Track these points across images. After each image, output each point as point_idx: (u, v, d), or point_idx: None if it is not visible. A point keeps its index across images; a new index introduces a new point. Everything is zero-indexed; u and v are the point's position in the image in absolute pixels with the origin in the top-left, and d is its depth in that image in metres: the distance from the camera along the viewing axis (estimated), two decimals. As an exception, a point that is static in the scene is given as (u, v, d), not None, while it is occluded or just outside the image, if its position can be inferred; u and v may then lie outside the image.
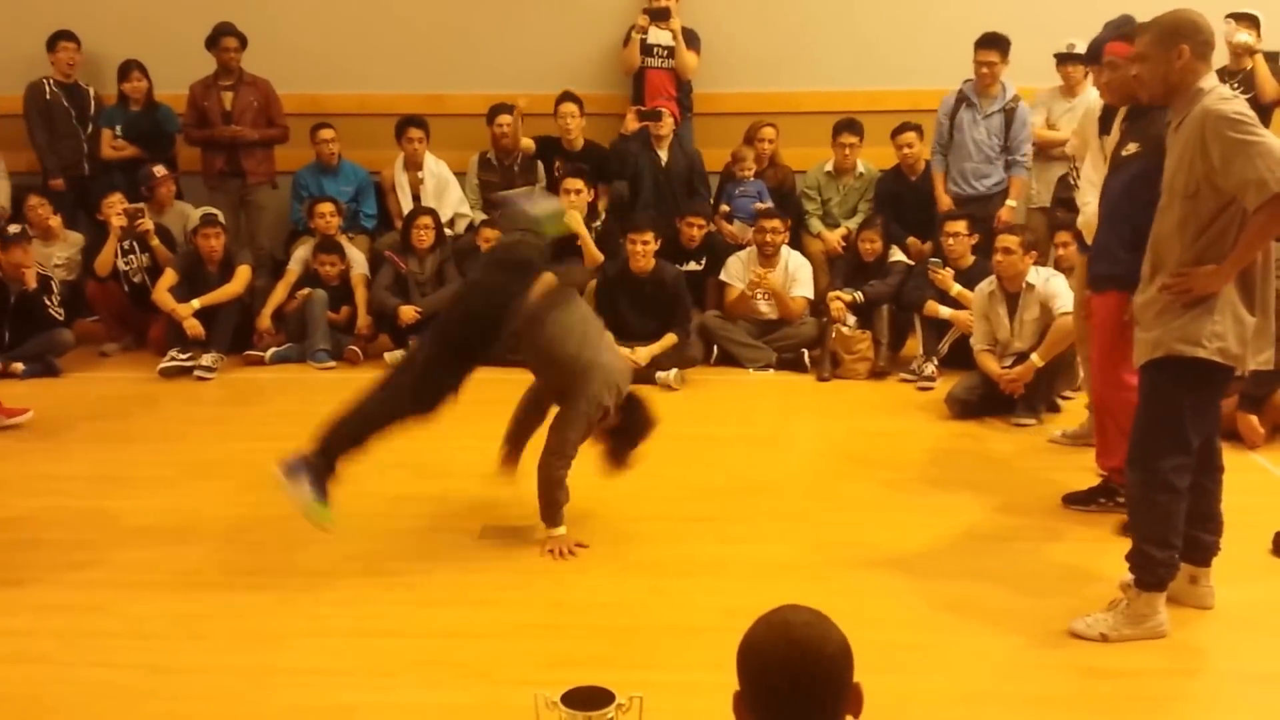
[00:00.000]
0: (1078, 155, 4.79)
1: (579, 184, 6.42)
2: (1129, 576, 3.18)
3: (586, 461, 3.82)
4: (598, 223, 6.52)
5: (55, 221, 6.68)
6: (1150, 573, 3.10)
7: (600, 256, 6.33)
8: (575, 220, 6.33)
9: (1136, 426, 3.12)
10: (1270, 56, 6.32)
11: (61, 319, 6.25)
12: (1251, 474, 4.46)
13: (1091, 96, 4.75)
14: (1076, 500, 4.13)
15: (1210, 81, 3.01)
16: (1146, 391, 3.11)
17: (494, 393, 5.83)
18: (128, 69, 7.05)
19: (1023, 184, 6.52)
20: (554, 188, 6.57)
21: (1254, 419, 4.70)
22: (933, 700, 2.85)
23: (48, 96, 6.99)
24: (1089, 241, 4.32)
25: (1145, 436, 3.09)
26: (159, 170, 6.84)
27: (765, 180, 6.87)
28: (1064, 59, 6.40)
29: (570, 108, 6.80)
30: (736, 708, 1.66)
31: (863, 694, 1.65)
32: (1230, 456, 4.54)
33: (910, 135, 6.58)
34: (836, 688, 1.61)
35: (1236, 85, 6.03)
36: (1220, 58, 5.56)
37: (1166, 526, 3.07)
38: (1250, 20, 6.26)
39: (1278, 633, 3.21)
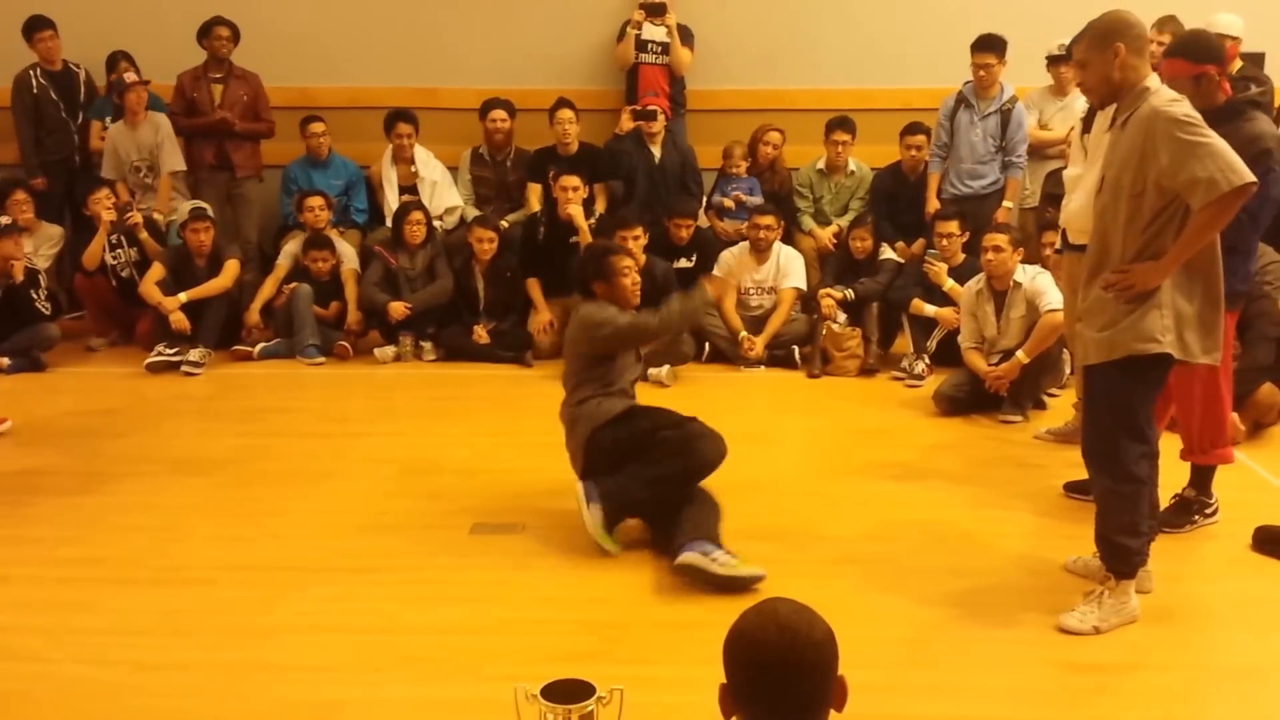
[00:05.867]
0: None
1: (575, 180, 6.42)
2: (1095, 563, 3.27)
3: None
4: (592, 220, 6.52)
5: (29, 217, 6.54)
6: (1125, 562, 3.17)
7: None
8: (577, 214, 6.35)
9: (1095, 426, 3.17)
10: (1256, 58, 6.34)
11: (48, 313, 6.22)
12: (1232, 471, 4.45)
13: (1082, 99, 4.75)
14: (1166, 522, 3.67)
15: (1155, 81, 3.05)
16: (1101, 391, 3.14)
17: (482, 390, 5.88)
18: (115, 60, 7.00)
19: (1018, 185, 6.53)
20: (550, 194, 6.58)
21: (1235, 416, 4.71)
22: (914, 694, 2.86)
23: (35, 90, 6.92)
24: (1071, 239, 4.33)
25: (1106, 436, 3.13)
26: (129, 76, 6.68)
27: (764, 184, 6.87)
28: (1054, 60, 6.41)
29: (567, 114, 6.78)
30: (722, 699, 1.66)
31: (847, 686, 1.65)
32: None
33: (920, 138, 6.58)
34: (822, 674, 1.62)
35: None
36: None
37: (1136, 515, 3.13)
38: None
39: (1256, 628, 3.23)
